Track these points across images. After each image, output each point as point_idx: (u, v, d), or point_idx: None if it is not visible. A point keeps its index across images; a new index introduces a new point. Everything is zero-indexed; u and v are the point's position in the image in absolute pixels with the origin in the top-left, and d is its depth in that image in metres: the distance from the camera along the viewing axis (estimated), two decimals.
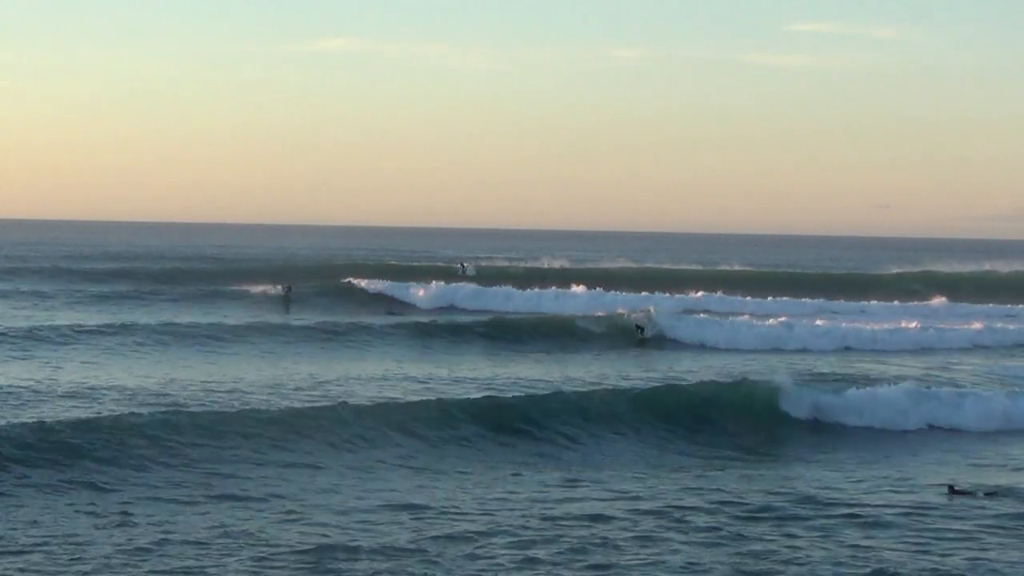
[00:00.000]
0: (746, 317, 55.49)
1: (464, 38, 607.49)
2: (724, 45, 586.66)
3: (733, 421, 30.88)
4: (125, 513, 19.41)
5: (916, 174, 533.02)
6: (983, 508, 21.82)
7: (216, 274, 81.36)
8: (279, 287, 67.73)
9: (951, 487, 23.34)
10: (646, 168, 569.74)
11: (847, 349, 51.02)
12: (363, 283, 70.60)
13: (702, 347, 50.36)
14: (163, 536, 18.14)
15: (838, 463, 26.68)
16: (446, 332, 49.32)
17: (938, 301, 71.52)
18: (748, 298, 68.68)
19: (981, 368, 44.18)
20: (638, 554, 18.10)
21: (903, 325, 55.56)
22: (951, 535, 19.66)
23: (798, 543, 18.86)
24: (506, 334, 49.64)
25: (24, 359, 37.78)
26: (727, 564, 17.59)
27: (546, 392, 32.55)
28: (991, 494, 23.12)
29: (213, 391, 32.33)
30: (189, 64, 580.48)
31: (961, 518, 20.91)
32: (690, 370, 41.33)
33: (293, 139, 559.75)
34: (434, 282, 71.27)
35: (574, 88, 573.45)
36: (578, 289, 70.67)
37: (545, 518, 19.92)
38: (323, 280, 73.46)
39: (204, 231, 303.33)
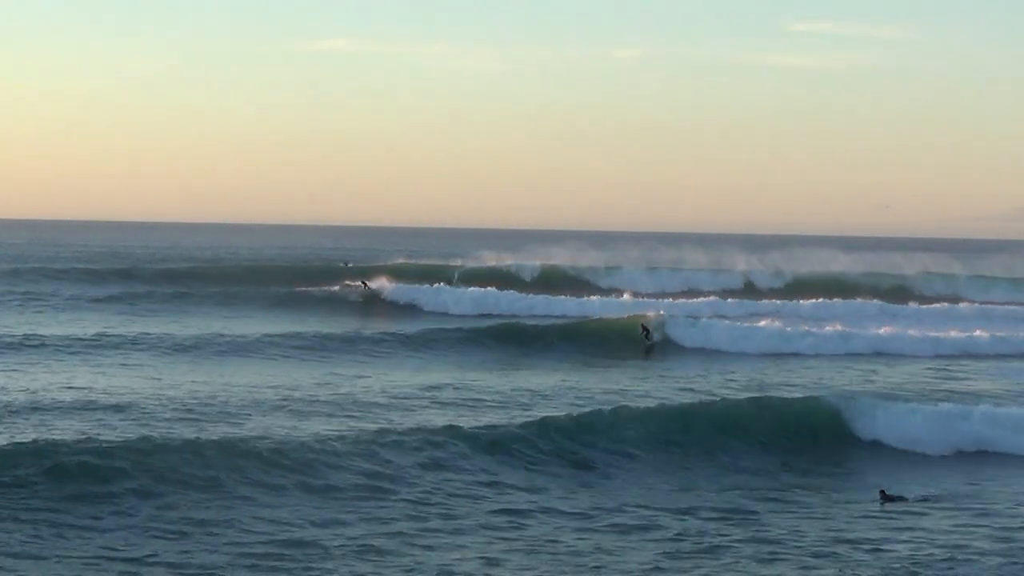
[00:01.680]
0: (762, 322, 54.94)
1: (464, 38, 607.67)
2: (724, 45, 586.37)
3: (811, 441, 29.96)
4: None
5: (916, 174, 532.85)
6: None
7: (247, 274, 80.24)
8: (354, 283, 68.62)
9: (883, 492, 24.22)
10: (646, 168, 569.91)
11: (877, 355, 50.15)
12: (363, 285, 70.10)
13: (715, 352, 49.47)
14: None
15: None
16: (456, 338, 48.64)
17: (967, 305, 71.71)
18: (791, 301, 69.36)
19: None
20: None
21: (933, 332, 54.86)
22: None
23: None
24: (515, 341, 48.96)
25: (94, 366, 37.79)
26: None
27: (598, 408, 30.95)
28: (923, 500, 24.09)
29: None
30: (189, 64, 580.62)
31: None
32: (711, 378, 40.96)
33: (293, 139, 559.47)
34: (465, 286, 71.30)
35: (574, 88, 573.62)
36: (595, 295, 70.82)
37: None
38: (326, 281, 72.87)
39: (204, 231, 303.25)
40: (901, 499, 23.99)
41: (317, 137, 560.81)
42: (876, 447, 30.30)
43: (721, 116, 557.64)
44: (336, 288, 69.74)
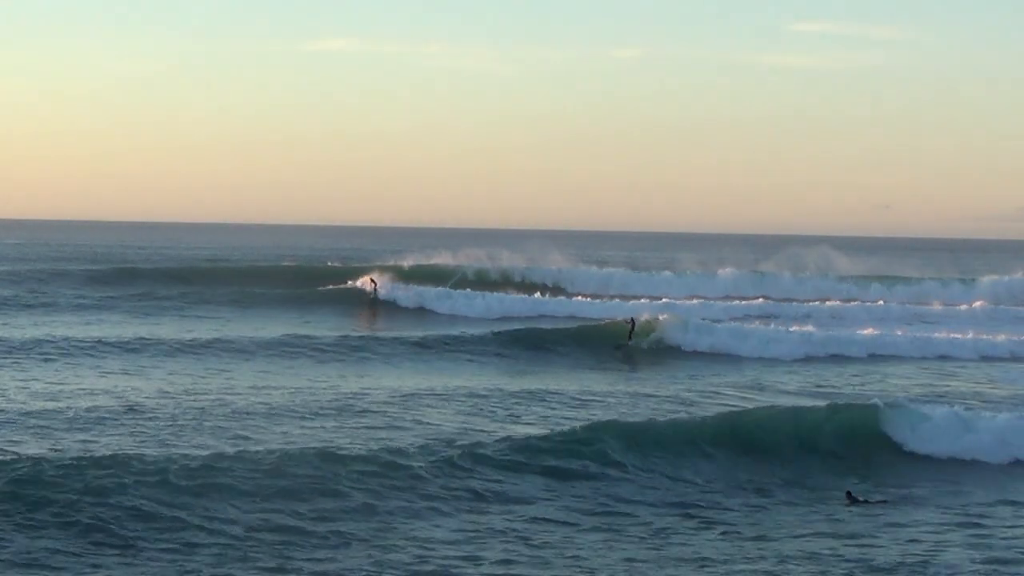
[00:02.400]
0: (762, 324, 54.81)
1: (464, 38, 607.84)
2: (724, 45, 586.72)
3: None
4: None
5: (916, 174, 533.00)
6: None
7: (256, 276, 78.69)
8: (367, 282, 67.58)
9: (848, 493, 24.98)
10: (646, 168, 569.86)
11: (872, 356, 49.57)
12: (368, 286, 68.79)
13: (717, 355, 48.57)
14: None
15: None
16: (469, 342, 47.81)
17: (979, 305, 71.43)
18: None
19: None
20: None
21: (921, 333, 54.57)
22: None
23: None
24: (527, 344, 48.14)
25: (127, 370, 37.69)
26: None
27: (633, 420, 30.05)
28: (883, 502, 24.84)
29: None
30: (189, 64, 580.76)
31: None
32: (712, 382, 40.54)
33: (293, 139, 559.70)
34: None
35: (574, 88, 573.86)
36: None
37: None
38: (327, 282, 71.75)
39: (205, 231, 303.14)
40: (865, 501, 24.68)
41: (317, 137, 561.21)
42: (918, 455, 29.55)
43: (721, 116, 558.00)
44: (345, 285, 69.09)
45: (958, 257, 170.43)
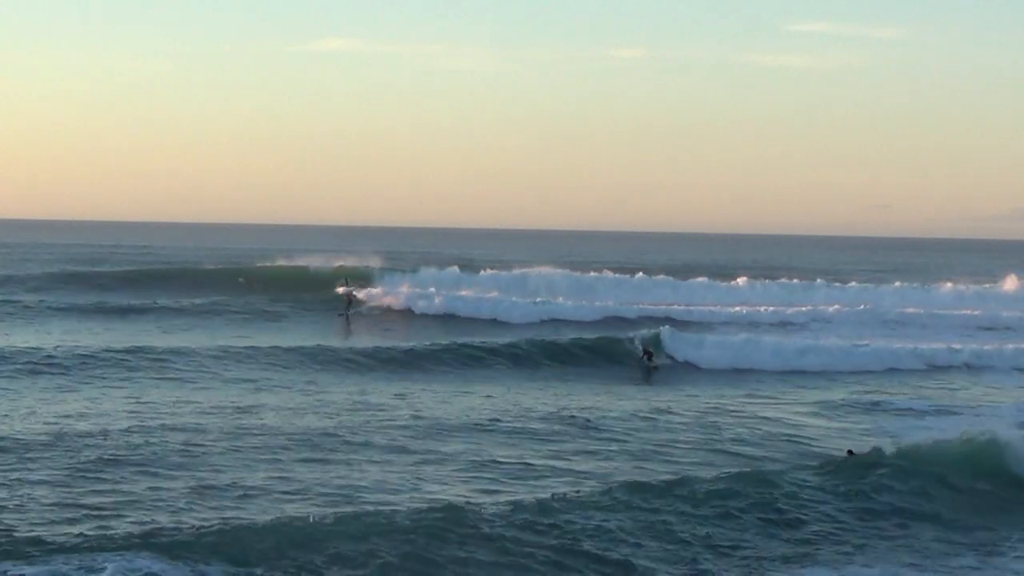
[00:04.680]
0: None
1: (464, 38, 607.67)
2: (724, 45, 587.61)
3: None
4: None
5: (916, 174, 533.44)
6: None
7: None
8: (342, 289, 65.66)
9: (850, 452, 27.21)
10: (645, 168, 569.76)
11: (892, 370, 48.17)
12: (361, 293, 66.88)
13: (733, 371, 46.63)
14: None
15: None
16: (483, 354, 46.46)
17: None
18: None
19: None
20: None
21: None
22: None
23: None
24: (536, 355, 46.99)
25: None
26: None
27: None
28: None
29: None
30: (189, 64, 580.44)
31: None
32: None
33: (293, 139, 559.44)
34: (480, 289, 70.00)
35: (573, 88, 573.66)
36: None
37: None
38: (319, 288, 69.38)
39: (204, 231, 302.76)
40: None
41: (316, 137, 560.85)
42: None
43: (721, 116, 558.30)
44: (340, 290, 66.77)
45: (955, 256, 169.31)
